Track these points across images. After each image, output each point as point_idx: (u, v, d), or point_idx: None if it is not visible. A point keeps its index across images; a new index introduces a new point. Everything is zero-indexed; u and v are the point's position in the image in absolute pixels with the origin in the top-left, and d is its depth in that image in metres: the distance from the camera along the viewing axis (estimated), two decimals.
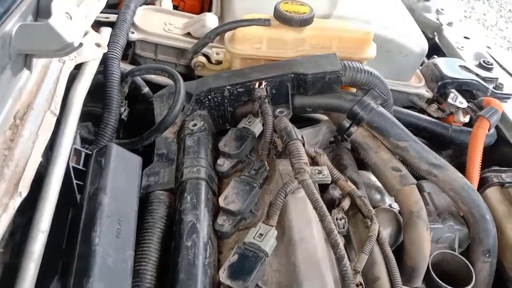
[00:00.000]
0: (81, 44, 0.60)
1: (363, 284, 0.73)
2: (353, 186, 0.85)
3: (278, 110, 0.92)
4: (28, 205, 0.61)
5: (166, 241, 0.72)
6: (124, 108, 1.03)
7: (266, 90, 0.92)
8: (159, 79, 1.06)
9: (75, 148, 0.75)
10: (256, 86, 0.91)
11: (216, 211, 0.78)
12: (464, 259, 0.90)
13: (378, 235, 0.79)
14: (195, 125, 0.89)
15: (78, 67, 0.83)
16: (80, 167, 0.80)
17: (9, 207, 0.56)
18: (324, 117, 1.06)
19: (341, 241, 0.70)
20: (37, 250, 0.62)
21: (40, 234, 0.63)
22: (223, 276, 0.67)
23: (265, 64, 0.99)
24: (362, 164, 0.99)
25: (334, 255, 0.70)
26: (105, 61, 0.93)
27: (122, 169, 0.73)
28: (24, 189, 0.58)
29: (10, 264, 0.63)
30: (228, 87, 0.92)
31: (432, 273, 0.86)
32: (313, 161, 0.87)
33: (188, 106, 0.91)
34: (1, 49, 0.55)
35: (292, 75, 0.92)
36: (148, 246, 0.69)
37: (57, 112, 0.70)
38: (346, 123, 0.95)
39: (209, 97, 0.92)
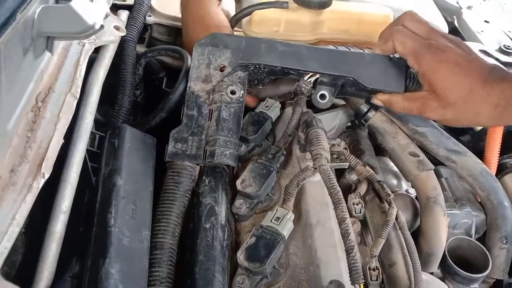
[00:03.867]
0: (102, 27, 0.61)
1: (379, 269, 0.74)
2: (371, 171, 0.84)
3: (320, 93, 0.86)
4: (48, 186, 0.62)
5: (186, 215, 0.73)
6: (140, 91, 1.03)
7: (315, 82, 0.85)
8: (175, 63, 1.06)
9: None
10: (306, 78, 0.84)
11: (233, 194, 0.79)
12: (481, 245, 0.90)
13: (397, 219, 0.78)
14: (233, 92, 0.81)
15: (97, 50, 0.84)
16: (95, 149, 0.81)
17: (33, 188, 0.57)
18: (341, 102, 1.05)
19: (352, 231, 0.68)
20: (59, 231, 0.63)
21: (62, 215, 0.64)
22: (240, 258, 0.68)
23: (324, 50, 0.89)
24: (379, 150, 0.99)
25: (344, 246, 0.68)
26: (121, 44, 0.93)
27: (136, 150, 0.73)
28: (47, 170, 0.59)
29: (31, 244, 0.64)
30: (280, 68, 0.84)
31: (449, 258, 0.86)
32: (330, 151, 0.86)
33: (230, 70, 0.83)
34: (24, 31, 0.56)
35: (351, 79, 0.84)
36: (171, 219, 0.70)
37: (78, 95, 0.70)
38: (364, 108, 0.94)
39: (257, 67, 0.84)
